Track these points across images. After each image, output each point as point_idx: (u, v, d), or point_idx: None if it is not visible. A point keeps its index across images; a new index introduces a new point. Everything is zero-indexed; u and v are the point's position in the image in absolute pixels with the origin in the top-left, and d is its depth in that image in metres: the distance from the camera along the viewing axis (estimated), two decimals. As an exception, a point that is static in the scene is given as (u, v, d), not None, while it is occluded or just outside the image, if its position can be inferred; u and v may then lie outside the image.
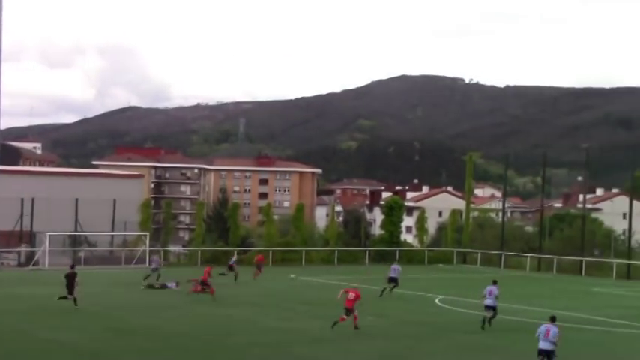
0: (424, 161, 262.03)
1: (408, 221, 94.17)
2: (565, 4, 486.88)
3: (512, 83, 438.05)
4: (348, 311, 29.70)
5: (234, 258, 52.42)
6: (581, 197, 77.06)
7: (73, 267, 35.85)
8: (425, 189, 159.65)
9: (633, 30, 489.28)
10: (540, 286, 53.68)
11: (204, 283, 40.18)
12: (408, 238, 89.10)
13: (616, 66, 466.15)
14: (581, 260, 65.76)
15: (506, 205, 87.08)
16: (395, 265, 43.70)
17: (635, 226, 71.41)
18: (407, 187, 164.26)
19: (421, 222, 79.07)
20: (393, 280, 42.38)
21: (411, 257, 72.21)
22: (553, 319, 22.82)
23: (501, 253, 71.45)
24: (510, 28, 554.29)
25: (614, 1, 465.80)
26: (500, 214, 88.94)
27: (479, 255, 72.94)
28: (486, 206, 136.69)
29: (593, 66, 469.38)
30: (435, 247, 79.36)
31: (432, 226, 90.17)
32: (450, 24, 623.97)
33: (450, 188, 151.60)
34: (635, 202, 71.94)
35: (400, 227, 77.23)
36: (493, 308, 31.21)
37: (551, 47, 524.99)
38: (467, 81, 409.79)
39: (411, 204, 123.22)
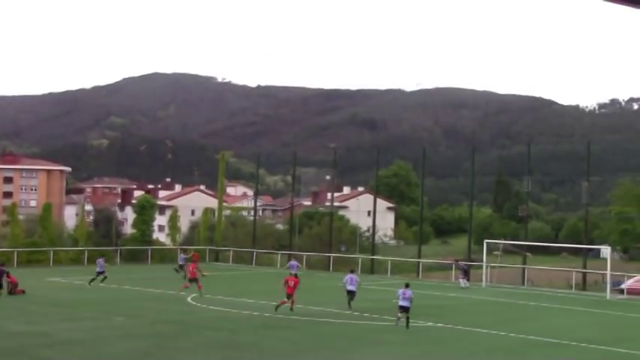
0: (177, 160, 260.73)
1: (161, 220, 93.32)
2: (308, 7, 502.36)
3: (263, 83, 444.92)
4: (289, 296, 36.13)
5: (184, 256, 52.75)
6: (329, 195, 79.61)
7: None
8: (177, 187, 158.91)
9: (377, 35, 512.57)
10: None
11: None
12: (161, 237, 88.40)
13: (361, 69, 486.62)
14: (329, 256, 68.08)
15: (257, 204, 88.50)
16: (351, 275, 39.96)
17: (378, 224, 74.92)
18: (159, 186, 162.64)
19: (173, 221, 78.72)
20: (351, 293, 38.78)
21: (163, 256, 71.69)
22: (407, 285, 33.43)
23: (253, 251, 72.51)
24: (259, 29, 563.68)
25: (355, 6, 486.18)
26: (252, 213, 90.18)
27: (231, 253, 73.62)
28: (238, 204, 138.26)
29: (341, 69, 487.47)
30: (188, 246, 79.23)
31: (184, 224, 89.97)
32: (202, 22, 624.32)
33: (202, 187, 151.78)
34: (379, 200, 75.46)
35: (152, 226, 76.55)
36: (407, 309, 32.42)
37: (300, 49, 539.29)
38: (219, 80, 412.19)
39: (163, 203, 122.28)
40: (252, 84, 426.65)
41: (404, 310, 32.57)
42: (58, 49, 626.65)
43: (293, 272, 47.34)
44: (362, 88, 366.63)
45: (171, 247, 76.67)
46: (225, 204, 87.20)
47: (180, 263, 54.46)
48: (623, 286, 54.98)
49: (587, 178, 58.66)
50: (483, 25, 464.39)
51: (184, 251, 62.18)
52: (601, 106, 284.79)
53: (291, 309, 36.03)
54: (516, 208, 71.86)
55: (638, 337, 33.14)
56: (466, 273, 54.58)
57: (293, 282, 36.79)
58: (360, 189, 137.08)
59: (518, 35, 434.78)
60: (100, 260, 49.00)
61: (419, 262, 62.00)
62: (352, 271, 42.00)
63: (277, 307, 36.06)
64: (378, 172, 78.88)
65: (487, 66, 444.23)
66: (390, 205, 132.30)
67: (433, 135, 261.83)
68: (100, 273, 47.55)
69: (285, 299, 36.16)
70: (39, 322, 33.03)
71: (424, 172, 72.57)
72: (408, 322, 32.28)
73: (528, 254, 65.78)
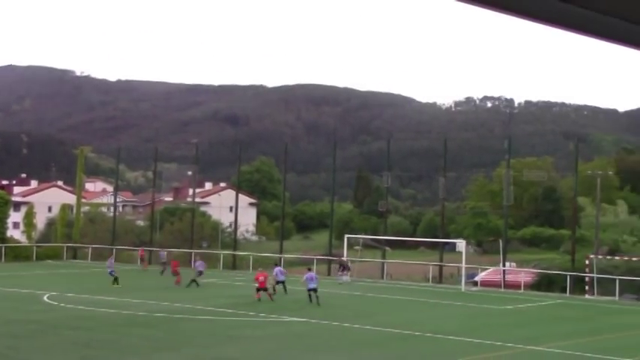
0: (33, 155, 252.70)
1: (15, 217, 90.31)
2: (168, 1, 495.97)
3: (123, 77, 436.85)
4: (262, 289, 40.24)
5: (165, 253, 54.08)
6: (190, 191, 78.98)
7: None
8: (34, 183, 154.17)
9: (238, 30, 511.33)
10: (151, 280, 54.27)
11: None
12: (15, 234, 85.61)
13: (222, 64, 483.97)
14: (191, 252, 67.63)
15: (117, 200, 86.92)
16: (310, 274, 41.34)
17: (240, 219, 74.85)
18: (14, 182, 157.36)
19: (29, 217, 76.44)
20: (313, 290, 39.90)
21: (18, 254, 69.49)
22: (310, 269, 42.83)
23: (113, 248, 71.19)
24: (118, 22, 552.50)
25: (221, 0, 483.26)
26: (112, 209, 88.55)
27: (90, 250, 72.10)
28: (98, 201, 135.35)
29: (202, 64, 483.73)
30: (45, 243, 77.09)
31: (40, 221, 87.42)
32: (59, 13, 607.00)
33: (60, 182, 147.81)
34: (241, 196, 75.40)
35: (7, 223, 74.04)
36: (316, 290, 39.07)
37: (160, 43, 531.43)
38: (78, 73, 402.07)
39: (18, 199, 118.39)
40: (112, 78, 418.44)
41: (314, 290, 39.06)
42: None
43: (200, 270, 49.45)
44: (224, 84, 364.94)
45: (26, 244, 74.39)
46: (83, 200, 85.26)
47: (163, 261, 54.94)
48: (476, 278, 56.91)
49: (443, 174, 60.35)
50: (344, 22, 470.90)
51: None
52: (457, 103, 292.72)
53: (272, 299, 40.18)
54: (376, 203, 73.13)
55: (490, 327, 34.40)
56: (345, 268, 54.92)
57: (263, 277, 40.78)
58: (222, 185, 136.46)
59: (378, 33, 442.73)
60: None
61: (281, 258, 62.35)
62: (310, 270, 43.78)
63: (258, 300, 39.88)
64: (240, 167, 78.85)
65: (348, 63, 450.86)
66: (252, 200, 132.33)
67: (295, 131, 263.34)
68: None
69: (259, 293, 40.24)
70: None
71: (286, 168, 73.05)
72: (318, 300, 38.75)
73: (387, 248, 67.16)
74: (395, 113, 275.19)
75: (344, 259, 57.03)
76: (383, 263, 60.51)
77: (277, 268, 45.43)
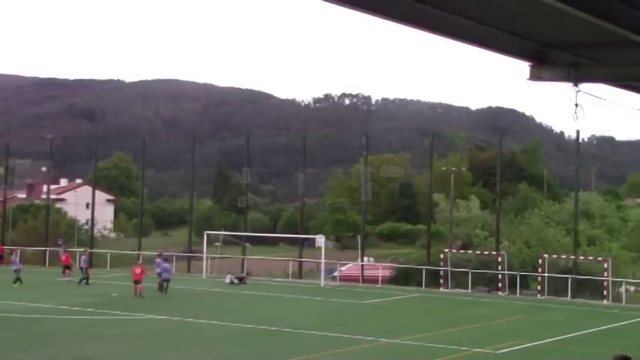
0: None
1: None
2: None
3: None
4: (137, 282, 41.16)
5: (85, 257, 49.60)
6: (45, 188, 76.80)
7: None
8: None
9: (98, 23, 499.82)
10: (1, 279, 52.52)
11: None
12: None
13: (80, 58, 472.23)
14: (46, 250, 65.82)
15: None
16: (167, 265, 45.42)
17: (97, 216, 73.35)
18: None
19: None
20: (166, 281, 43.63)
21: None
22: (163, 257, 46.22)
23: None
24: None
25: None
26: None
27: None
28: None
29: (58, 57, 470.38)
30: None
31: None
32: None
33: None
34: (98, 193, 73.88)
35: None
36: (168, 280, 43.20)
37: (11, 34, 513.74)
38: None
39: None
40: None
41: (167, 281, 43.00)
42: None
43: (81, 266, 49.31)
44: (80, 78, 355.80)
45: None
46: None
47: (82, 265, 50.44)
48: (335, 273, 57.63)
49: (302, 170, 60.80)
50: (203, 17, 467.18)
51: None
52: (316, 100, 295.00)
53: (141, 295, 40.87)
54: (236, 199, 72.85)
55: (349, 321, 34.93)
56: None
57: (140, 269, 42.26)
58: (79, 181, 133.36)
59: (238, 28, 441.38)
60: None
61: (139, 255, 61.39)
62: (167, 260, 46.75)
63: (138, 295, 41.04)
64: (97, 163, 77.21)
65: (207, 58, 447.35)
66: (110, 197, 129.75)
67: (154, 126, 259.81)
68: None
69: (136, 286, 41.37)
70: None
71: (144, 164, 71.99)
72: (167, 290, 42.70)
73: (248, 245, 67.10)
74: (254, 109, 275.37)
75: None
76: (243, 259, 60.48)
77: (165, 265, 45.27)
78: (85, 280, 47.34)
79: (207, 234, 58.10)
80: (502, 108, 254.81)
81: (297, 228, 66.64)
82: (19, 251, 59.93)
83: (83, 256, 50.46)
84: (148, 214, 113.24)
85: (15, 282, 46.24)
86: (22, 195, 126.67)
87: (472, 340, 29.77)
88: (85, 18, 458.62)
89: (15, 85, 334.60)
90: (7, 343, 27.49)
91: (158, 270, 44.76)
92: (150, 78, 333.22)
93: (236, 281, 51.50)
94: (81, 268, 49.50)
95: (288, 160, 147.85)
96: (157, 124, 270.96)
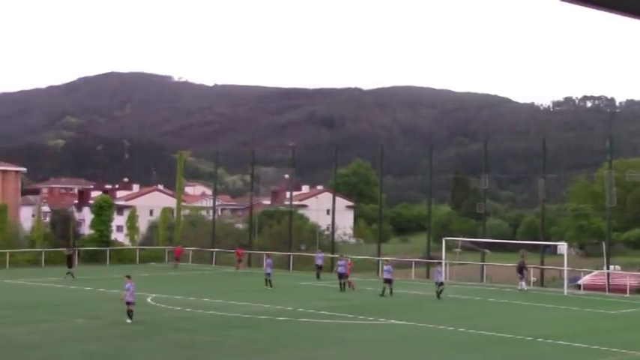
0: (134, 159, 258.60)
1: (119, 220, 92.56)
2: (263, 5, 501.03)
3: (220, 82, 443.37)
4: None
5: (271, 260, 51.81)
6: (288, 194, 79.60)
7: None
8: (135, 187, 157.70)
9: (334, 33, 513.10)
10: (251, 282, 54.88)
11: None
12: (119, 237, 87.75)
13: (319, 68, 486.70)
14: (289, 255, 68.11)
15: (216, 203, 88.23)
16: (387, 266, 46.76)
17: (338, 222, 75.01)
18: (117, 186, 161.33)
19: (132, 221, 78.23)
20: (388, 282, 44.74)
21: (122, 257, 71.21)
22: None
23: (213, 250, 72.32)
24: (215, 28, 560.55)
25: (311, 4, 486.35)
26: (211, 212, 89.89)
27: (191, 252, 73.32)
28: (197, 204, 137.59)
29: (298, 67, 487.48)
30: (147, 246, 78.80)
31: (143, 224, 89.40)
32: (157, 21, 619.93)
33: (160, 186, 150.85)
34: (338, 199, 75.61)
35: (111, 226, 75.97)
36: (345, 275, 46.96)
37: (256, 48, 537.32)
38: (176, 79, 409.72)
39: (121, 203, 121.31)
40: (209, 83, 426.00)
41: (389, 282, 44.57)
42: (12, 49, 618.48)
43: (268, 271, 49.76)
44: (319, 87, 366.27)
45: (130, 247, 76.15)
46: (183, 203, 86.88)
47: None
48: (580, 282, 55.65)
49: (543, 175, 59.31)
50: (439, 23, 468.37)
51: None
52: (555, 104, 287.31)
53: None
54: (474, 205, 72.20)
55: (595, 332, 33.61)
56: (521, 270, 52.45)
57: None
58: (319, 188, 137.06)
59: (473, 33, 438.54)
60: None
61: (379, 260, 62.17)
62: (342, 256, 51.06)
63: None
64: (337, 170, 78.99)
65: (443, 64, 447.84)
66: (349, 203, 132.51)
67: (391, 133, 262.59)
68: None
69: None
70: (-4, 324, 32.69)
71: (382, 171, 72.87)
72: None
73: (487, 251, 66.31)
74: (492, 114, 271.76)
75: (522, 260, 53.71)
76: (482, 266, 59.80)
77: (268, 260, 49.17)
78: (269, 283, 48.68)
79: (445, 240, 57.89)
80: None
81: (538, 234, 65.07)
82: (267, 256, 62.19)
83: (268, 260, 50.93)
84: (387, 220, 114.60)
85: (266, 284, 48.23)
86: (266, 201, 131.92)
87: None
88: (324, 29, 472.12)
89: (259, 95, 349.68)
90: (254, 344, 28.67)
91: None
92: (387, 85, 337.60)
93: (525, 288, 50.75)
94: (267, 273, 49.56)
95: (528, 165, 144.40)
96: (394, 130, 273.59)
